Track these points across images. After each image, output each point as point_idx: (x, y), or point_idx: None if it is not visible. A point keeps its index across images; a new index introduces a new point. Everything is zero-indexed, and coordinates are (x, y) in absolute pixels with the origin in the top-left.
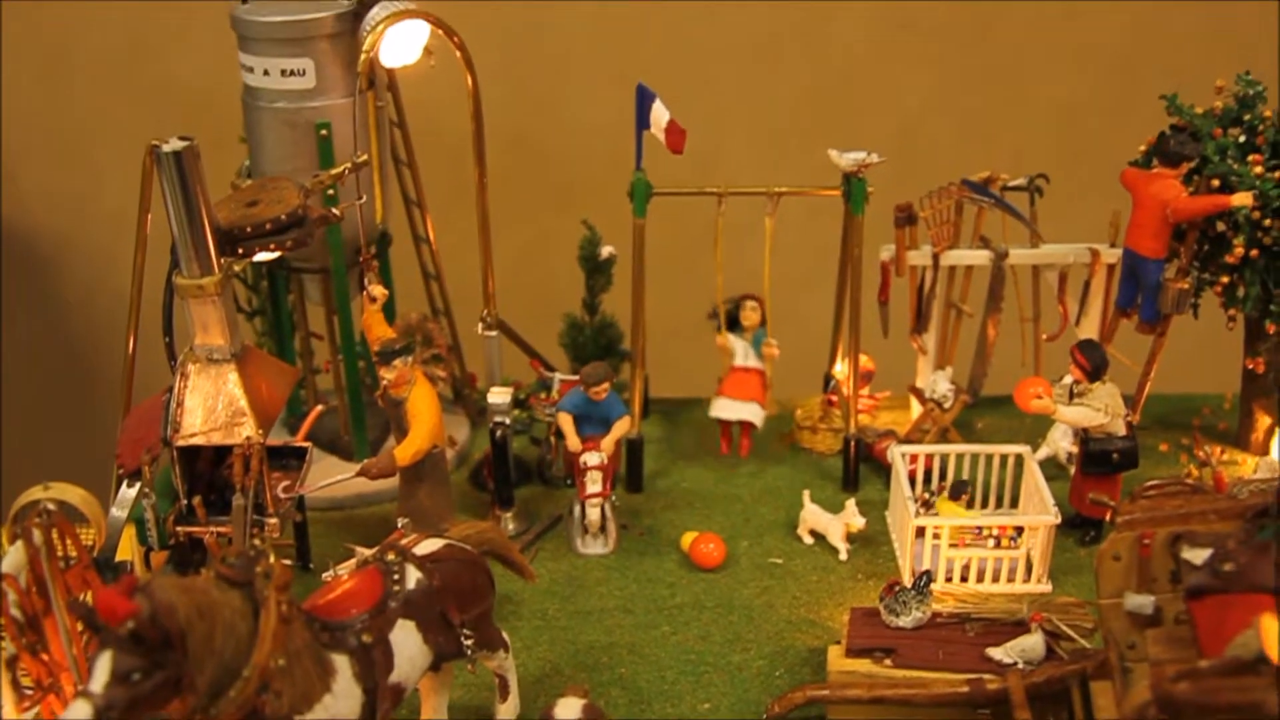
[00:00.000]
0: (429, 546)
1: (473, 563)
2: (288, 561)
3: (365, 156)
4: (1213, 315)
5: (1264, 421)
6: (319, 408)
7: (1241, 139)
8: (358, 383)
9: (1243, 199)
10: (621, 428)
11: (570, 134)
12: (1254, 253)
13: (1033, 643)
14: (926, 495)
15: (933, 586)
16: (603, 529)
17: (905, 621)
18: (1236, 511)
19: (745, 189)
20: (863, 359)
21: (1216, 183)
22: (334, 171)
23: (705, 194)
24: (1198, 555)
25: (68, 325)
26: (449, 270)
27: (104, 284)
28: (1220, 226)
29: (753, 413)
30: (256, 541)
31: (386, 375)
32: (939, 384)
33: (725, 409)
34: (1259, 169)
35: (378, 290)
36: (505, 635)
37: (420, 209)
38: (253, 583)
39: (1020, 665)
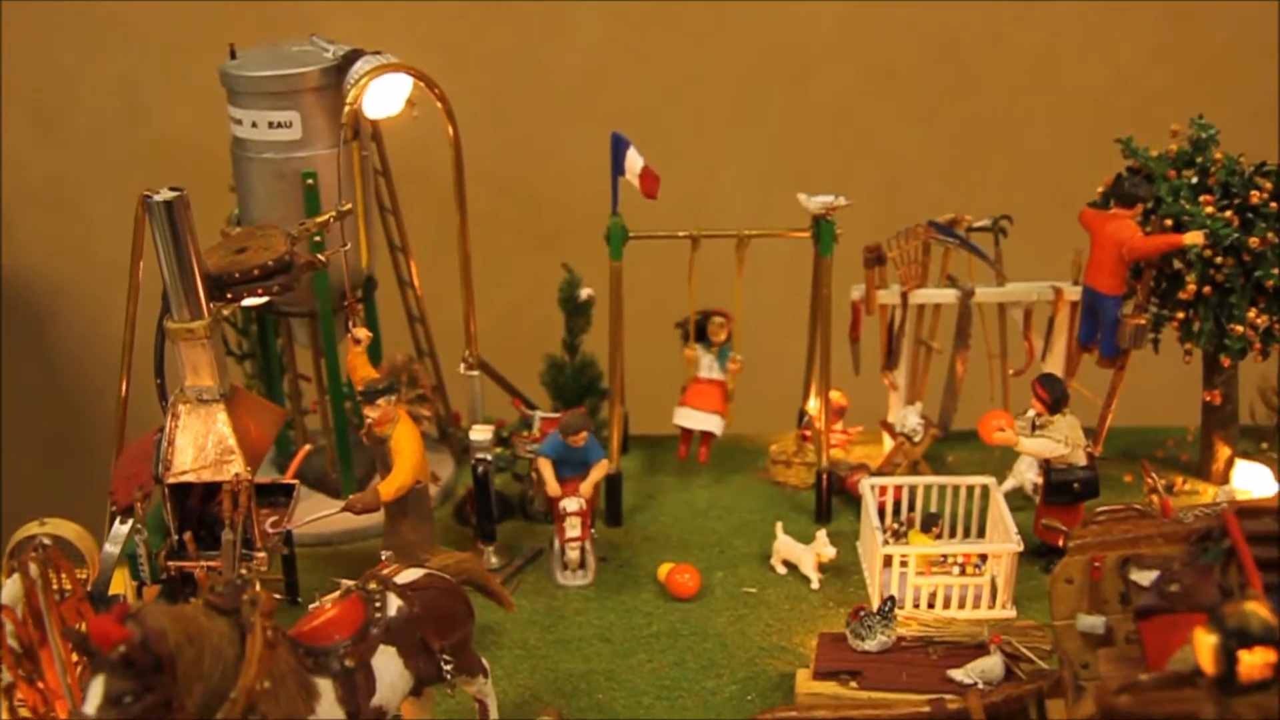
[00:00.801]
0: (409, 576)
1: (452, 591)
2: (277, 595)
3: (349, 205)
4: (1174, 350)
5: (1224, 452)
6: (307, 447)
7: (1194, 180)
8: (344, 422)
9: (1194, 238)
10: (600, 471)
11: (555, 179)
12: (1207, 290)
13: (991, 664)
14: (896, 526)
15: (897, 611)
16: (582, 563)
17: (871, 645)
18: (1182, 535)
19: (717, 232)
20: (836, 395)
21: (1170, 222)
22: (319, 219)
23: (678, 237)
24: (1145, 577)
25: (64, 369)
26: (433, 313)
27: (99, 329)
28: (1177, 265)
29: (713, 423)
30: (244, 571)
31: (370, 414)
32: (909, 418)
33: (688, 418)
34: (1210, 209)
35: (361, 333)
36: (485, 661)
37: (404, 254)
38: (239, 610)
39: (980, 686)
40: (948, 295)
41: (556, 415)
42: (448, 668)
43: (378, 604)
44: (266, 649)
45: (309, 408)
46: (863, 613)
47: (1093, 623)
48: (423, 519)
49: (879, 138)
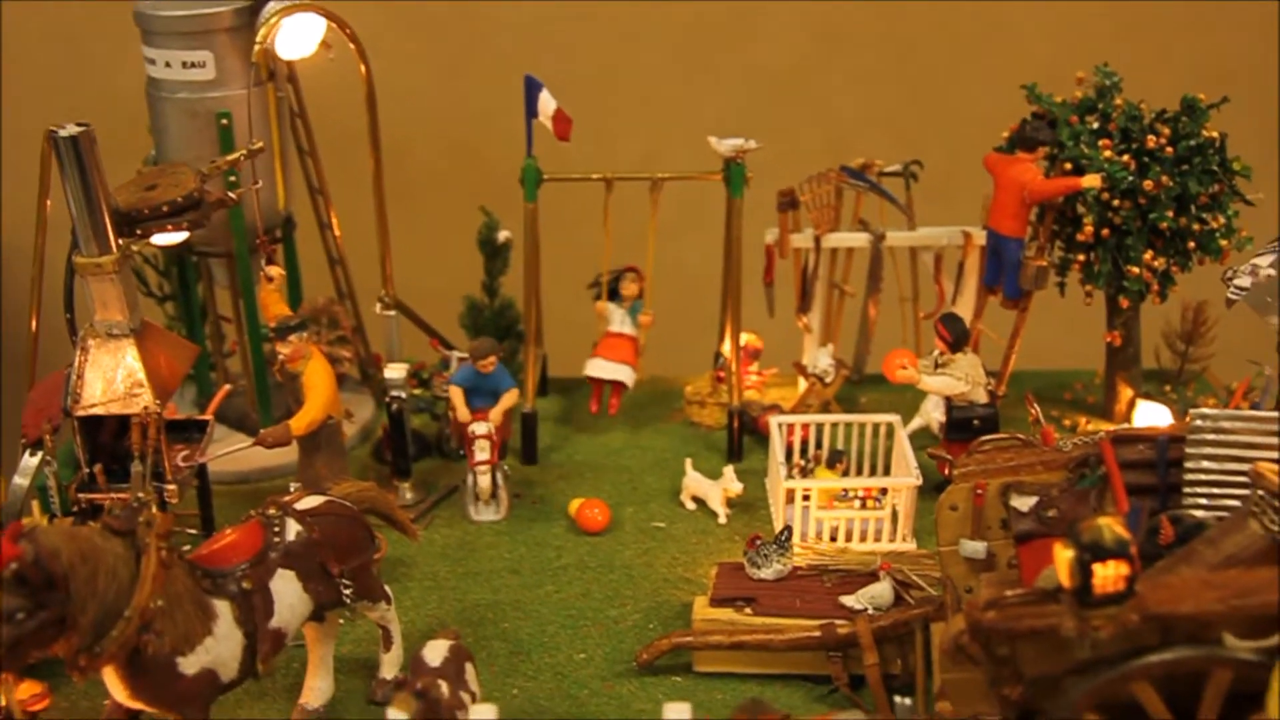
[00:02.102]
0: (310, 502)
1: (352, 518)
2: (192, 530)
3: (260, 143)
4: (1082, 295)
5: (1126, 394)
6: (226, 387)
7: (1095, 125)
8: (263, 363)
9: (1092, 181)
10: (509, 399)
11: (478, 123)
12: (1105, 232)
13: (881, 590)
14: (804, 464)
15: (794, 542)
16: (494, 497)
17: (767, 573)
18: (1061, 463)
19: (630, 175)
20: (752, 338)
21: (1069, 166)
22: (229, 158)
23: (591, 180)
24: (1025, 503)
25: None
26: (355, 256)
27: (7, 267)
28: (1080, 209)
29: (624, 374)
30: (140, 495)
31: (282, 350)
32: (820, 360)
33: (599, 369)
34: (1108, 153)
35: (274, 271)
36: (387, 589)
37: (323, 196)
38: (135, 531)
39: (869, 611)
40: (860, 239)
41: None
42: (347, 592)
43: (276, 529)
44: (161, 569)
45: (230, 349)
46: (759, 542)
47: (975, 548)
48: (336, 455)
49: (826, 96)
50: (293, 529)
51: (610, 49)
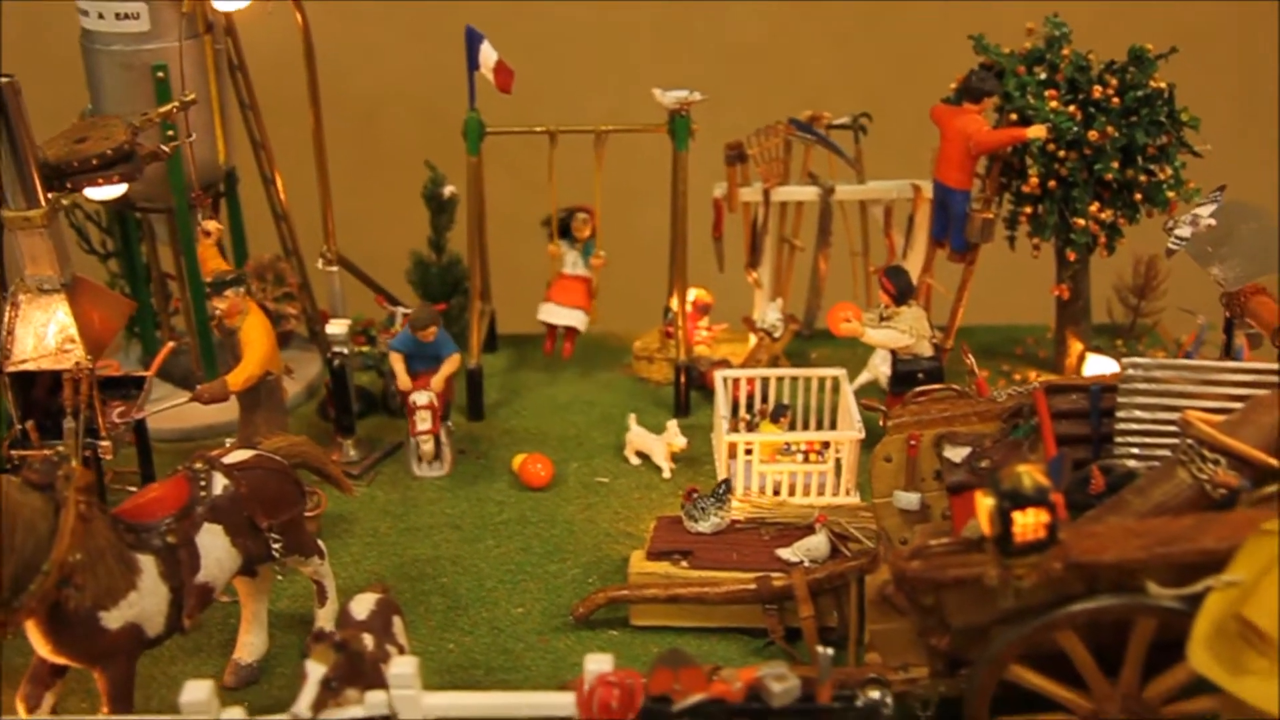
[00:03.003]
0: (238, 457)
1: (281, 472)
2: (132, 488)
3: (193, 95)
4: (1042, 250)
5: (1076, 347)
6: (170, 344)
7: (1043, 76)
8: (205, 319)
9: (1037, 131)
10: (451, 365)
11: (427, 78)
12: (1051, 184)
13: (817, 542)
14: (749, 418)
15: (731, 495)
16: (438, 455)
17: (704, 526)
18: (995, 413)
19: (574, 127)
20: (701, 293)
21: (1015, 117)
22: (161, 110)
23: (535, 132)
24: (958, 454)
25: None
26: (304, 213)
27: None
28: (1026, 160)
29: (577, 318)
30: (59, 449)
31: (219, 305)
32: (769, 314)
33: (552, 314)
34: (1054, 104)
35: (211, 225)
36: (320, 544)
37: (265, 151)
38: (54, 485)
39: (805, 563)
40: (809, 193)
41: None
42: (276, 546)
43: (203, 484)
44: (80, 523)
45: (174, 306)
46: (695, 495)
47: (909, 499)
48: (276, 410)
49: (798, 61)
50: (219, 483)
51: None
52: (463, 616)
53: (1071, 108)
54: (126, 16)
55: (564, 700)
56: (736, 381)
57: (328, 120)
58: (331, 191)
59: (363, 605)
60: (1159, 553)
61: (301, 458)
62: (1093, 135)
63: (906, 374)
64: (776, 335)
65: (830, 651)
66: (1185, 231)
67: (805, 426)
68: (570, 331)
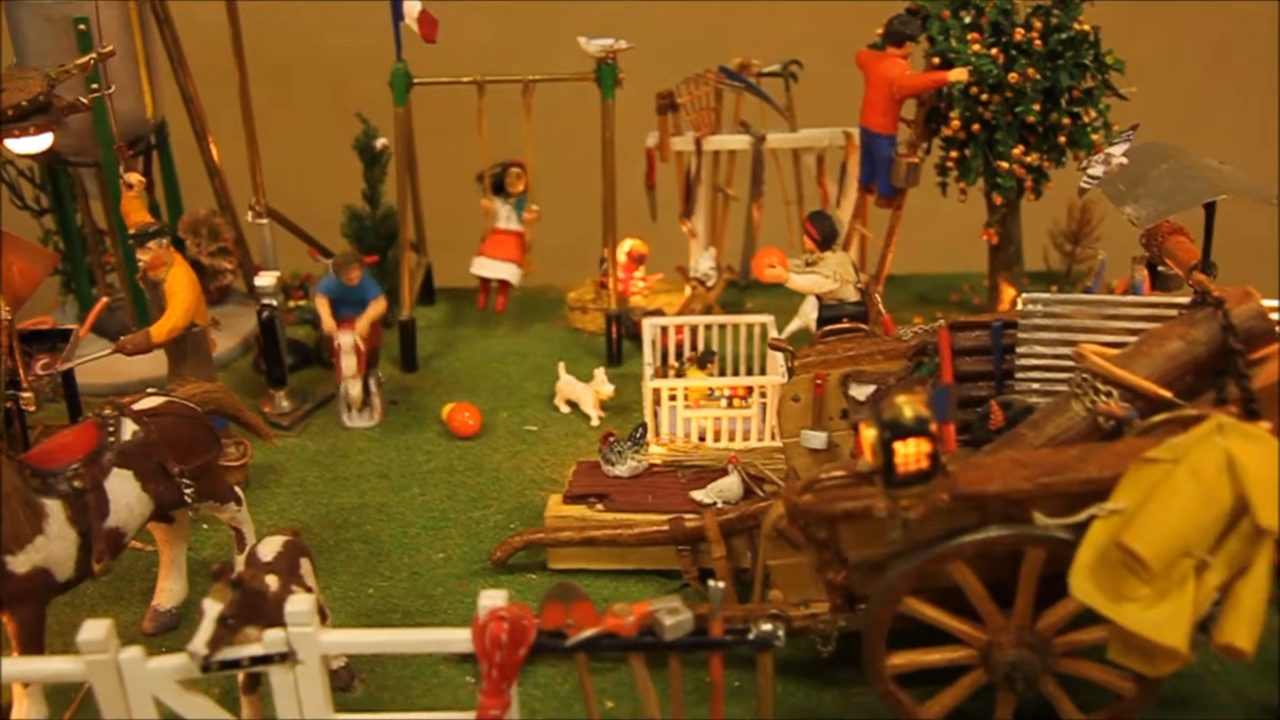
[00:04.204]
0: (148, 403)
1: (192, 418)
2: None
3: (110, 48)
4: (974, 198)
5: (1008, 293)
6: (103, 300)
7: (968, 20)
8: (135, 273)
9: (958, 74)
10: (376, 309)
11: (361, 30)
12: (975, 127)
13: (729, 484)
14: (677, 365)
15: (650, 439)
16: (368, 404)
17: (622, 470)
18: (900, 352)
19: (501, 77)
20: (636, 243)
21: (937, 60)
22: (78, 62)
23: (463, 83)
24: (863, 392)
25: None
26: (241, 167)
27: None
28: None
29: (510, 272)
30: None
31: (142, 257)
32: (701, 263)
33: (485, 268)
34: (977, 47)
35: (134, 178)
36: (237, 490)
37: (195, 106)
38: None
39: (718, 504)
40: (741, 142)
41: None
42: (188, 492)
43: (111, 429)
44: None
45: (106, 261)
46: (612, 439)
47: (817, 438)
48: (203, 362)
49: (729, 8)
50: (129, 429)
51: None
52: (384, 563)
53: (994, 50)
54: None
55: (459, 636)
56: (666, 330)
57: (261, 74)
58: (263, 145)
59: (270, 547)
60: (1044, 483)
61: (215, 404)
62: (1013, 78)
63: (832, 319)
64: (709, 284)
65: (722, 585)
66: (1097, 170)
67: (735, 373)
68: (503, 285)
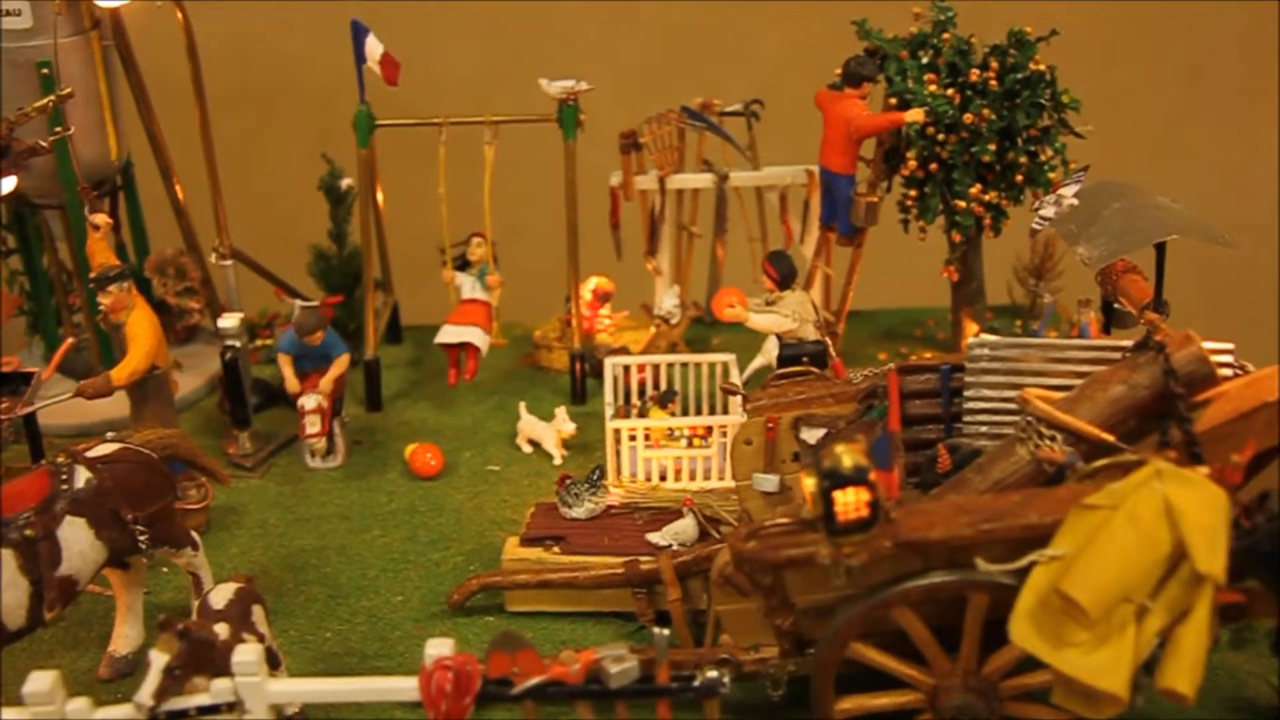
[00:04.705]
0: (103, 450)
1: (147, 464)
2: None
3: (69, 90)
4: (937, 234)
5: (971, 329)
6: (69, 340)
7: (926, 60)
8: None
9: (914, 115)
10: (339, 367)
11: (328, 71)
12: (933, 166)
13: (684, 526)
14: (638, 404)
15: (606, 482)
16: (331, 449)
17: (579, 512)
18: (851, 395)
19: (464, 119)
20: (602, 281)
21: (894, 101)
22: (37, 105)
23: (426, 124)
24: (814, 435)
25: None
26: (210, 207)
27: None
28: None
29: (474, 335)
30: None
31: (104, 300)
32: (665, 301)
33: (448, 334)
34: (933, 87)
35: (99, 219)
36: (194, 535)
37: (160, 146)
38: None
39: (674, 547)
40: (704, 180)
41: (318, 305)
42: (143, 539)
43: (64, 476)
44: None
45: (71, 302)
46: (569, 481)
47: (768, 481)
48: (164, 405)
49: (691, 48)
50: (82, 476)
51: None
52: (342, 605)
53: (950, 91)
54: (9, 14)
55: (406, 685)
56: (628, 369)
57: (228, 115)
58: (230, 185)
59: (221, 595)
60: (985, 529)
61: (171, 449)
62: (968, 118)
63: (791, 358)
64: (673, 322)
65: (666, 632)
66: (1049, 211)
67: (698, 412)
68: (471, 351)
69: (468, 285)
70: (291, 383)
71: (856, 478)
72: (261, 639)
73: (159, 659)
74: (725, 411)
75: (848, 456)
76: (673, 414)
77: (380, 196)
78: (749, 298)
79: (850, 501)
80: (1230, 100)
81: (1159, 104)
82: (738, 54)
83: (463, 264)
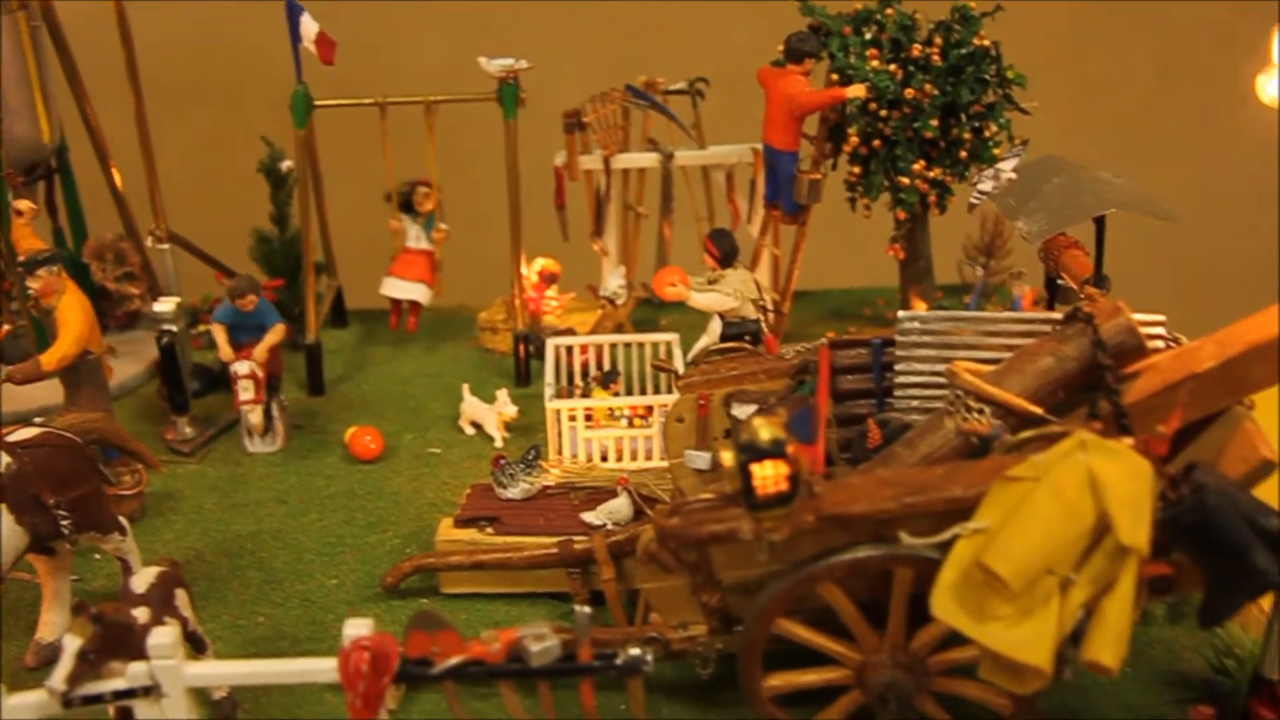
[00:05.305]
0: (24, 434)
1: (70, 448)
2: None
3: None
4: (888, 213)
5: (919, 307)
6: (5, 327)
7: (869, 36)
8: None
9: (856, 91)
10: (274, 335)
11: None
12: (876, 143)
13: (619, 505)
14: (581, 385)
15: (542, 462)
16: (269, 430)
17: (514, 493)
18: (783, 371)
19: (403, 99)
20: (549, 262)
21: (836, 77)
22: None
23: (364, 104)
24: (745, 411)
25: None
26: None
27: None
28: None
29: (419, 292)
30: None
31: (33, 285)
32: (610, 282)
33: (394, 288)
34: (875, 63)
35: (24, 204)
36: (122, 520)
37: (95, 130)
38: None
39: (608, 526)
40: (650, 159)
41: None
42: (66, 524)
43: None
44: None
45: (5, 287)
46: (503, 462)
47: (700, 458)
48: (98, 390)
49: (636, 26)
50: (2, 461)
51: None
52: (276, 590)
53: (893, 66)
54: None
55: (325, 666)
56: (571, 350)
57: (167, 99)
58: (170, 168)
59: (143, 579)
60: (909, 503)
61: (97, 433)
62: (909, 93)
63: (733, 336)
64: (619, 303)
65: (587, 610)
66: (987, 185)
67: (641, 392)
68: (414, 305)
69: (413, 234)
70: (225, 350)
71: (774, 451)
72: (185, 623)
73: (72, 644)
74: (669, 391)
75: (765, 430)
76: (615, 394)
77: (322, 179)
78: (691, 276)
79: (769, 475)
80: (1201, 83)
81: (1130, 89)
82: (683, 32)
83: (406, 205)
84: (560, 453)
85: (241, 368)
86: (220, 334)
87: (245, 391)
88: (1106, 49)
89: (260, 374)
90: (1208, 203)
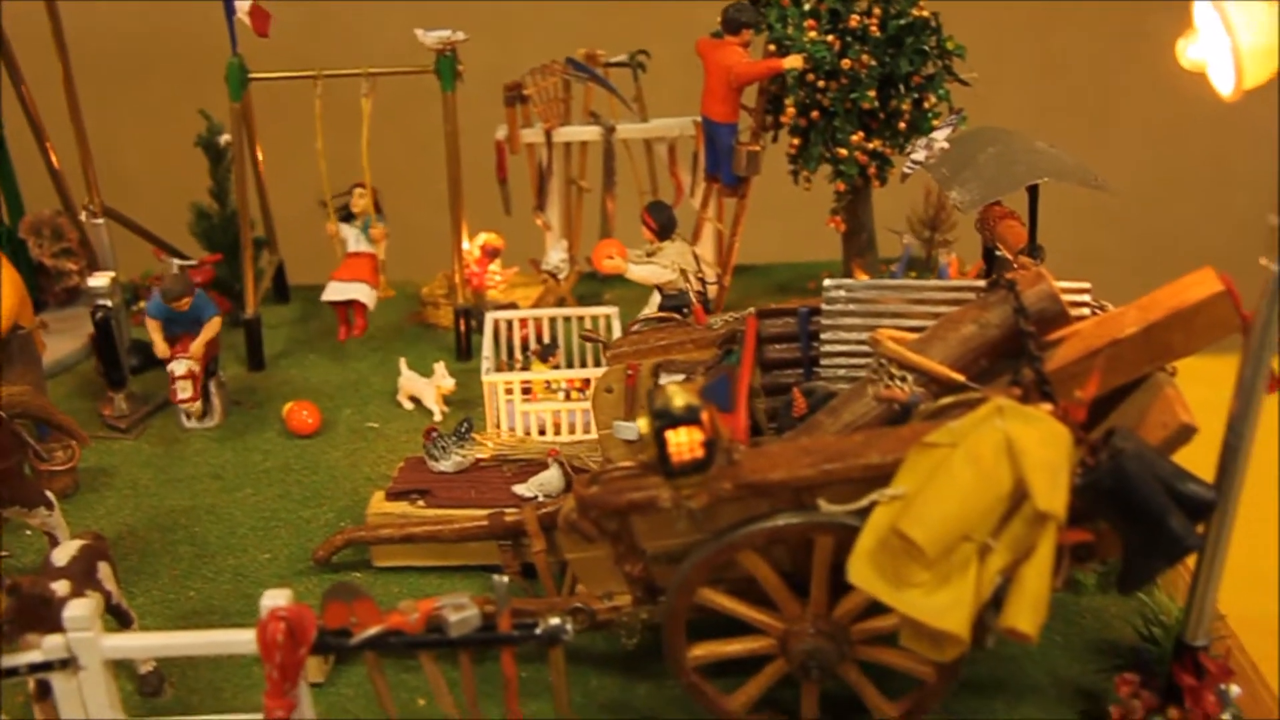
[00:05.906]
0: None
1: None
2: None
3: None
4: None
5: (862, 279)
6: None
7: (807, 7)
8: None
9: (793, 61)
10: (211, 330)
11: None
12: (814, 114)
13: (550, 477)
14: (520, 359)
15: (476, 435)
16: (206, 410)
17: (446, 465)
18: (711, 340)
19: (339, 71)
20: (491, 236)
21: (773, 48)
22: None
23: (301, 77)
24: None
25: None
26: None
27: None
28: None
29: (361, 292)
30: None
31: None
32: (552, 256)
33: (334, 291)
34: (812, 34)
35: None
36: (48, 494)
37: (28, 104)
38: None
39: (539, 498)
40: (592, 133)
41: (197, 264)
42: None
43: None
44: None
45: None
46: (435, 434)
47: (629, 428)
48: (31, 366)
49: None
50: None
51: None
52: (208, 564)
53: (830, 37)
54: None
55: (244, 637)
56: (511, 324)
57: (111, 74)
58: (107, 143)
59: (65, 552)
60: (827, 469)
61: (22, 407)
62: (845, 64)
63: (672, 309)
64: (561, 277)
65: (506, 580)
66: (920, 155)
67: (583, 365)
68: (358, 307)
69: (352, 238)
70: (160, 348)
71: (688, 417)
72: (108, 596)
73: None
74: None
75: (679, 396)
76: (555, 368)
77: (260, 153)
78: (629, 249)
79: (683, 442)
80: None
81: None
82: (622, 4)
83: (346, 215)
84: (498, 426)
85: (179, 367)
86: (155, 330)
87: (183, 391)
88: (1064, 24)
89: (198, 370)
90: (1168, 180)
